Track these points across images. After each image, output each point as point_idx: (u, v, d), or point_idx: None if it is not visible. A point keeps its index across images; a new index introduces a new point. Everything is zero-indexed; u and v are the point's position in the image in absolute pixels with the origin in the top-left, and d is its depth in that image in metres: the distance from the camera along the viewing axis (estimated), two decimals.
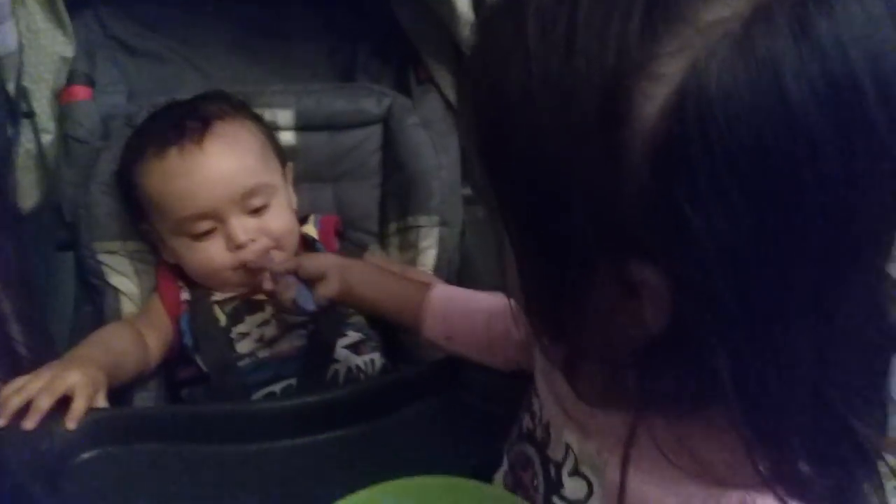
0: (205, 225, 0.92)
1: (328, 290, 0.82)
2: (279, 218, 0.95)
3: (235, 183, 0.91)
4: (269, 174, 0.96)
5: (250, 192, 0.92)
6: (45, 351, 1.09)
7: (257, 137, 0.97)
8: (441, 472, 0.60)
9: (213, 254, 0.92)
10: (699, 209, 0.33)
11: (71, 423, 0.71)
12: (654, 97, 0.34)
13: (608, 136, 0.34)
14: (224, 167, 0.92)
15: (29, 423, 0.70)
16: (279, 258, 0.92)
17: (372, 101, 1.09)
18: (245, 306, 0.95)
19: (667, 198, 0.33)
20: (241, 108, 0.99)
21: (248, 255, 0.92)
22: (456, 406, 0.74)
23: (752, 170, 0.33)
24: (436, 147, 1.07)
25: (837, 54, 0.32)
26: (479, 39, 0.41)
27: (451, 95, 1.14)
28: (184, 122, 0.93)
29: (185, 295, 0.97)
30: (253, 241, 0.92)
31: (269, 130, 1.02)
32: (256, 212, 0.93)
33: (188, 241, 0.93)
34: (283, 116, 1.08)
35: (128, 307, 0.99)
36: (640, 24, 0.33)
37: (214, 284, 0.96)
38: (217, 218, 0.91)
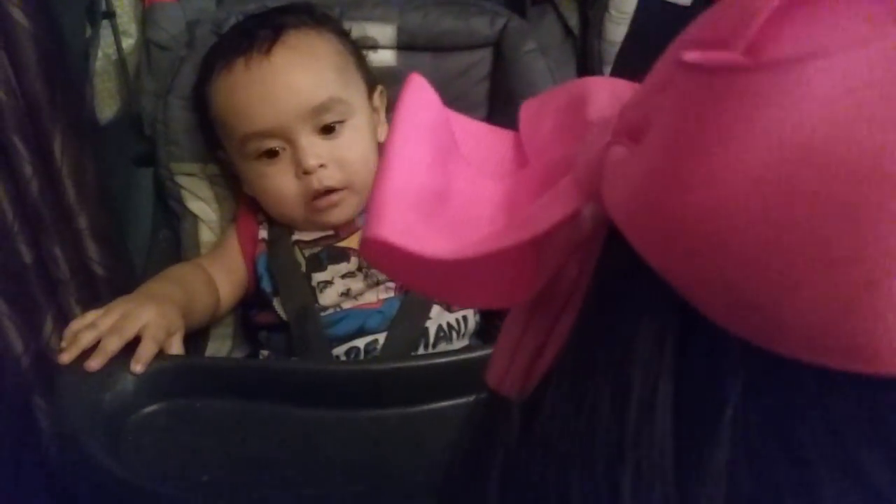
0: (270, 143, 0.82)
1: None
2: (355, 144, 0.84)
3: (304, 97, 0.81)
4: (347, 91, 0.85)
5: (321, 108, 0.82)
6: (122, 272, 1.04)
7: (338, 51, 0.87)
8: None
9: (279, 181, 0.83)
10: None
11: (136, 367, 0.64)
12: None
13: None
14: (292, 79, 0.82)
15: (94, 364, 0.64)
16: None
17: (484, 20, 0.96)
18: (327, 253, 0.85)
19: None
20: (325, 21, 0.89)
21: (315, 183, 0.82)
22: None
23: None
24: (554, 78, 0.94)
25: None
26: None
27: (573, 19, 1.01)
28: (255, 31, 0.84)
29: (263, 233, 0.88)
30: (323, 167, 0.82)
31: (357, 48, 0.91)
32: (329, 132, 0.83)
33: (255, 164, 0.84)
34: (384, 33, 0.96)
35: (206, 235, 0.92)
36: None
37: (290, 221, 0.87)
38: (284, 137, 0.82)
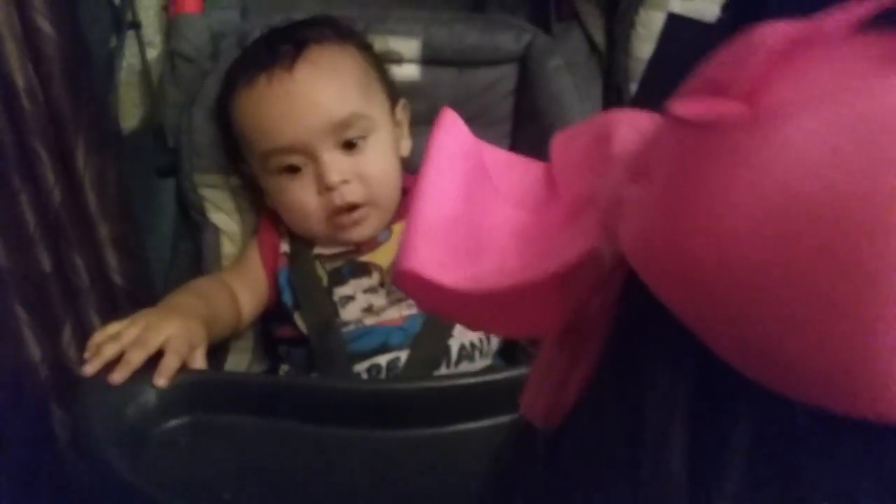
0: (292, 159, 0.82)
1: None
2: (377, 160, 0.84)
3: (326, 113, 0.81)
4: (369, 106, 0.84)
5: (343, 123, 0.81)
6: (141, 282, 1.04)
7: (360, 66, 0.86)
8: None
9: (302, 196, 0.83)
10: None
11: (160, 381, 0.63)
12: None
13: None
14: (314, 96, 0.81)
15: (117, 377, 0.63)
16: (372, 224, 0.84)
17: (509, 36, 0.96)
18: (349, 268, 0.85)
19: None
20: (348, 35, 0.88)
21: (337, 199, 0.81)
22: None
23: None
24: (580, 94, 0.93)
25: None
26: None
27: (598, 36, 1.00)
28: (278, 46, 0.83)
29: (284, 247, 0.88)
30: (345, 182, 0.82)
31: (380, 62, 0.91)
32: (351, 147, 0.83)
33: (277, 179, 0.84)
34: (408, 47, 0.96)
35: (228, 247, 0.91)
36: None
37: (312, 236, 0.87)
38: (306, 153, 0.81)
